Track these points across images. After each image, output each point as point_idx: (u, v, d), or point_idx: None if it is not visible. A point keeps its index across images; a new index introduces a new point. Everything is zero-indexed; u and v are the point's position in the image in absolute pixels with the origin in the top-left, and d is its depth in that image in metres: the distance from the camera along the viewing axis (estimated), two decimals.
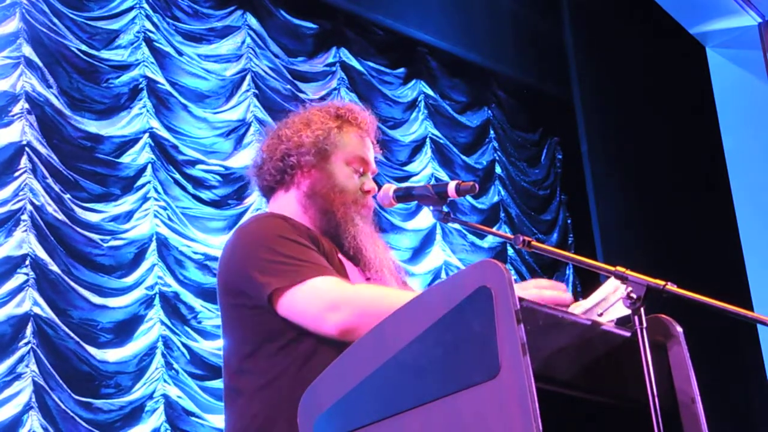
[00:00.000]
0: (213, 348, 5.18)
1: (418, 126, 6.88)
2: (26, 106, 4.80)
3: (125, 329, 4.96)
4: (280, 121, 2.46)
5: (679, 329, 2.06)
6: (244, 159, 5.67)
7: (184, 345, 5.10)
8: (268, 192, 2.41)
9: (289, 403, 2.05)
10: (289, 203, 2.36)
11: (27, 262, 4.62)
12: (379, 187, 2.39)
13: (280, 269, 2.13)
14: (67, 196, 4.86)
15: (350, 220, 2.31)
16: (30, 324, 4.56)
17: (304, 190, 2.34)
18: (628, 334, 1.97)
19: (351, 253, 2.30)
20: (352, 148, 2.37)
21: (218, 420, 5.11)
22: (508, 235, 2.28)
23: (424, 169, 6.79)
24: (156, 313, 5.06)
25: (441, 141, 6.99)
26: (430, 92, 7.03)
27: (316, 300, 2.09)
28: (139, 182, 5.21)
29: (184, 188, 5.40)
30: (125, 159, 5.19)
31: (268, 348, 2.16)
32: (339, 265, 2.24)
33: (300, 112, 2.44)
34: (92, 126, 5.09)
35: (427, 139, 6.89)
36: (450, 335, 1.74)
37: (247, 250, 2.21)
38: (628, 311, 1.88)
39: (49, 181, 4.81)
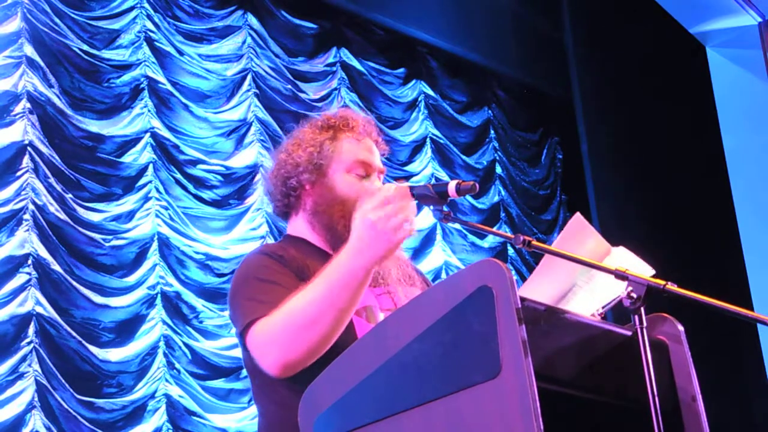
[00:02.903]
0: (214, 348, 5.20)
1: (419, 126, 6.89)
2: (28, 105, 4.80)
3: (127, 329, 4.97)
4: (278, 147, 2.47)
5: (681, 328, 2.06)
6: (245, 159, 5.69)
7: (185, 345, 5.11)
8: (284, 217, 2.43)
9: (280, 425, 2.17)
10: (300, 225, 2.38)
11: (29, 262, 4.63)
12: None
13: (241, 314, 2.17)
14: (68, 196, 4.87)
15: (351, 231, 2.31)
16: (32, 323, 4.57)
17: (309, 209, 2.35)
18: (629, 333, 1.98)
19: None
20: (349, 155, 2.35)
21: (220, 419, 5.12)
22: (509, 234, 2.28)
23: (425, 169, 6.79)
24: (158, 312, 5.07)
25: (441, 141, 6.99)
26: (430, 92, 7.04)
27: (254, 348, 2.13)
28: (141, 182, 5.21)
29: (185, 188, 5.41)
30: (127, 159, 5.20)
31: (264, 373, 2.17)
32: None
33: (294, 132, 2.44)
34: (94, 126, 5.10)
35: (428, 139, 6.90)
36: (451, 335, 1.74)
37: (230, 293, 2.27)
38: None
39: (51, 180, 4.82)
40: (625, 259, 2.05)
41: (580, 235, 2.02)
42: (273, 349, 2.08)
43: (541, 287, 2.00)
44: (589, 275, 2.02)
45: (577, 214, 2.06)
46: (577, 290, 2.05)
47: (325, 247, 2.34)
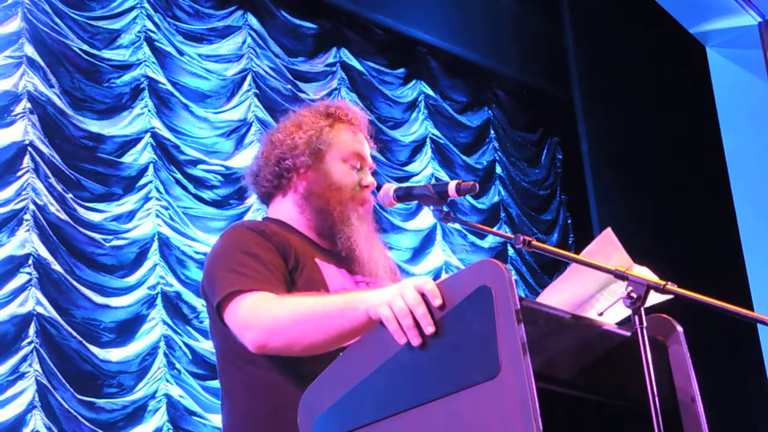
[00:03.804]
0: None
1: (419, 126, 6.90)
2: (28, 105, 4.81)
3: (127, 329, 4.98)
4: (272, 128, 2.46)
5: (680, 328, 2.06)
6: (245, 159, 5.68)
7: (186, 345, 5.12)
8: (266, 199, 2.41)
9: (250, 412, 2.18)
10: (286, 207, 2.36)
11: (30, 262, 4.63)
12: (379, 187, 2.37)
13: (221, 285, 2.14)
14: (69, 196, 4.88)
15: (346, 219, 2.30)
16: (33, 323, 4.57)
17: (301, 192, 2.34)
18: (628, 333, 1.98)
19: (343, 254, 2.30)
20: (346, 145, 2.36)
21: (220, 419, 5.12)
22: (509, 234, 2.28)
23: (425, 169, 6.80)
24: (158, 312, 5.07)
25: (441, 141, 7.00)
26: (430, 92, 7.04)
27: (235, 319, 2.10)
28: (141, 182, 5.22)
29: (185, 188, 5.41)
30: (127, 159, 5.21)
31: (238, 353, 2.17)
32: (313, 269, 2.24)
33: (291, 115, 2.44)
34: (94, 126, 5.10)
35: (428, 139, 6.90)
36: (450, 335, 1.74)
37: (207, 265, 2.25)
38: (628, 312, 1.89)
39: (52, 180, 4.82)
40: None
41: (606, 249, 2.02)
42: (263, 326, 2.04)
43: (561, 294, 2.01)
44: (613, 287, 2.02)
45: (608, 230, 2.06)
46: (599, 297, 2.05)
47: (309, 232, 2.33)
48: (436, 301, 1.76)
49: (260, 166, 2.40)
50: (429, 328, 1.75)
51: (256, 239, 2.21)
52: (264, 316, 2.04)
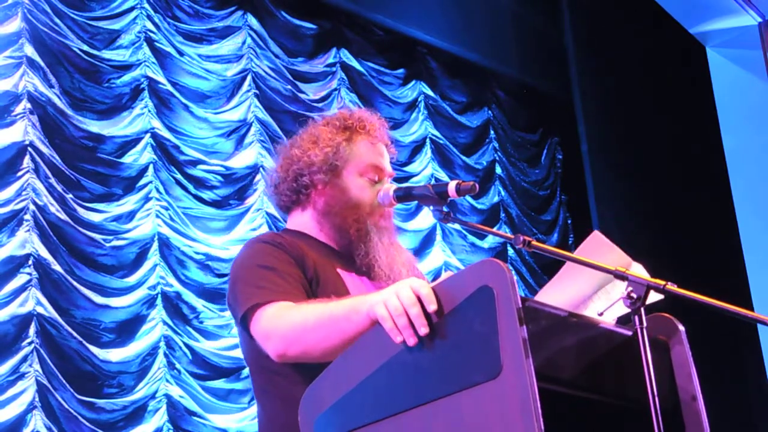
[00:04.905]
0: (215, 348, 5.20)
1: (418, 126, 6.89)
2: (28, 106, 4.81)
3: (127, 329, 4.98)
4: (291, 139, 2.45)
5: (681, 327, 2.06)
6: (245, 159, 5.69)
7: (186, 345, 5.12)
8: (286, 210, 2.43)
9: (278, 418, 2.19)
10: (305, 221, 2.38)
11: (30, 262, 4.63)
12: None
13: (242, 300, 2.17)
14: (69, 196, 4.88)
15: (364, 236, 2.31)
16: (33, 323, 4.57)
17: (319, 208, 2.35)
18: (629, 333, 1.98)
19: (364, 269, 2.32)
20: (364, 158, 2.36)
21: (220, 420, 5.13)
22: (509, 235, 2.28)
23: (424, 169, 6.79)
24: (158, 313, 5.07)
25: (441, 141, 7.00)
26: (430, 92, 7.04)
27: (257, 331, 2.13)
28: (141, 182, 5.22)
29: (185, 188, 5.41)
30: (127, 159, 5.21)
31: (267, 366, 2.19)
32: (335, 280, 2.25)
33: (309, 127, 2.43)
34: (94, 126, 5.10)
35: (427, 140, 6.90)
36: (451, 335, 1.74)
37: (229, 283, 2.28)
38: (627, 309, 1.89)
39: (52, 181, 4.82)
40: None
41: (600, 251, 2.01)
42: (280, 334, 2.06)
43: (557, 296, 2.00)
44: (608, 288, 2.02)
45: (595, 232, 2.06)
46: (595, 299, 2.05)
47: (329, 240, 2.35)
48: (431, 307, 1.77)
49: (279, 179, 2.40)
50: (423, 329, 1.77)
51: (273, 252, 2.23)
52: (281, 324, 2.07)
